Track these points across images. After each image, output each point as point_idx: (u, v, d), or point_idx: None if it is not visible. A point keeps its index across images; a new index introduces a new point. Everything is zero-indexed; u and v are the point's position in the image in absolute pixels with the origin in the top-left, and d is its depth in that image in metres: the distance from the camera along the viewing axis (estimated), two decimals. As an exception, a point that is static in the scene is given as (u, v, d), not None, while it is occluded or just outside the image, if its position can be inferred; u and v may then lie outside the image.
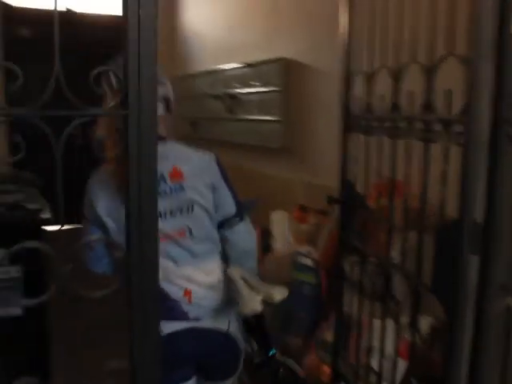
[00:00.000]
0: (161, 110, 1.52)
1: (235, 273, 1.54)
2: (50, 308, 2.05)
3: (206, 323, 1.54)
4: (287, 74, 3.27)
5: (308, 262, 2.43)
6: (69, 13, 4.74)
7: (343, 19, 1.74)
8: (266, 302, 1.53)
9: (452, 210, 1.25)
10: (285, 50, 3.27)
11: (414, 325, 1.41)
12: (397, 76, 1.44)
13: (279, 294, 1.52)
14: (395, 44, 1.45)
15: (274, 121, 3.39)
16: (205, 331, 1.53)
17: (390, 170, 1.51)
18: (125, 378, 0.74)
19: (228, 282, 1.57)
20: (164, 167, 1.50)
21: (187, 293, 1.50)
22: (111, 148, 1.40)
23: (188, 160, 1.56)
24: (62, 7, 4.81)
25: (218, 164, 1.61)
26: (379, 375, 1.62)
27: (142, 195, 0.66)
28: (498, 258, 1.17)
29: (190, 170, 1.53)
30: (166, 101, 1.56)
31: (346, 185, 1.81)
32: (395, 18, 1.45)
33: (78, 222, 1.61)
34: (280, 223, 2.90)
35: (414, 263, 1.39)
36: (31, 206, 2.04)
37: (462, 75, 1.21)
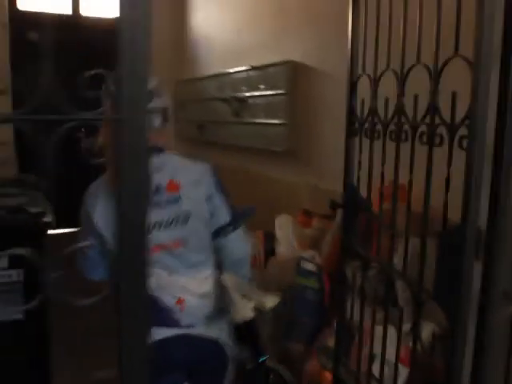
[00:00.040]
0: (158, 122, 1.56)
1: (228, 280, 1.56)
2: (50, 312, 2.04)
3: (198, 330, 1.55)
4: (294, 77, 3.26)
5: (311, 266, 2.41)
6: (75, 16, 4.77)
7: (349, 22, 1.73)
8: (258, 310, 1.56)
9: (456, 215, 1.23)
10: (292, 52, 3.26)
11: (415, 331, 1.39)
12: (402, 78, 1.42)
13: (270, 301, 1.55)
14: (400, 47, 1.43)
15: (280, 124, 3.38)
16: (196, 338, 1.55)
17: (394, 175, 1.49)
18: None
19: (221, 288, 1.59)
20: (161, 178, 1.53)
21: (180, 301, 1.53)
22: (109, 157, 1.36)
23: (184, 172, 1.58)
24: (68, 11, 4.84)
25: (214, 175, 1.62)
26: (380, 382, 1.59)
27: (133, 202, 0.64)
28: (501, 264, 1.15)
29: (186, 181, 1.55)
30: (164, 112, 1.58)
31: (349, 189, 1.79)
32: (400, 20, 1.43)
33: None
34: (284, 227, 2.89)
35: (416, 269, 1.37)
36: (33, 210, 2.04)
37: (467, 78, 1.19)
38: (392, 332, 1.55)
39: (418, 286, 1.36)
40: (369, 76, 1.61)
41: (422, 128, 1.35)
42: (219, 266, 1.67)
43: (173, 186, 1.53)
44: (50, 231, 2.18)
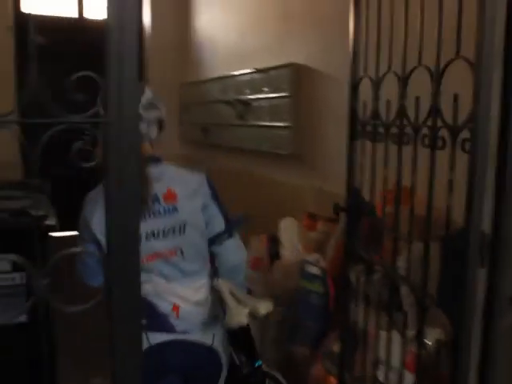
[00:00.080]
0: (155, 132, 1.59)
1: (223, 286, 1.59)
2: (55, 314, 2.04)
3: (192, 336, 1.59)
4: (298, 80, 3.24)
5: (315, 270, 2.39)
6: (80, 19, 4.78)
7: (350, 24, 1.72)
8: (253, 315, 1.57)
9: (460, 219, 1.21)
10: (296, 55, 3.25)
11: (420, 337, 1.36)
12: (403, 80, 1.41)
13: (264, 308, 1.56)
14: (402, 49, 1.41)
15: (285, 127, 3.36)
16: (190, 344, 1.59)
17: (396, 178, 1.47)
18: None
19: (216, 295, 1.63)
20: (158, 188, 1.56)
21: (175, 308, 1.56)
22: None
23: (181, 182, 1.61)
24: (74, 14, 4.86)
25: (209, 184, 1.66)
26: (385, 389, 1.57)
27: (124, 206, 0.63)
28: (506, 270, 1.13)
29: (183, 191, 1.58)
30: (160, 123, 1.61)
31: (353, 192, 1.77)
32: (402, 22, 1.41)
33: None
34: (289, 230, 2.87)
35: (420, 274, 1.34)
36: (36, 213, 2.04)
37: (470, 80, 1.17)
38: (397, 337, 1.53)
39: (421, 291, 1.34)
40: (370, 78, 1.60)
41: (425, 131, 1.33)
42: (215, 273, 1.70)
43: (170, 196, 1.56)
44: (55, 234, 2.19)
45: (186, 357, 1.59)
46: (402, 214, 1.48)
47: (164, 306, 1.56)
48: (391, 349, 1.54)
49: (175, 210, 1.56)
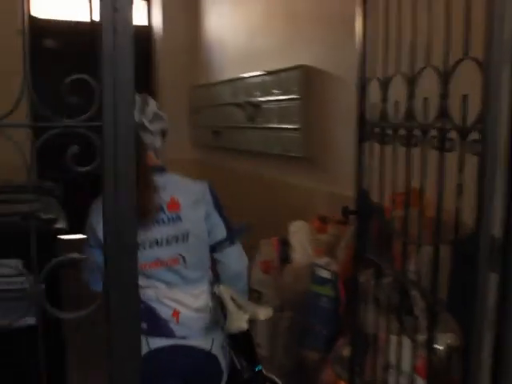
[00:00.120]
0: (159, 142, 1.64)
1: (224, 292, 1.61)
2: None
3: (191, 341, 1.60)
4: (307, 82, 3.22)
5: (326, 274, 2.36)
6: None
7: (358, 25, 1.70)
8: (253, 321, 1.61)
9: (471, 222, 1.18)
10: (306, 56, 3.23)
11: (430, 343, 1.33)
12: (412, 81, 1.38)
13: (264, 314, 1.59)
14: (410, 49, 1.39)
15: (295, 129, 3.34)
16: (190, 349, 1.60)
17: (405, 180, 1.44)
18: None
19: (216, 301, 1.65)
20: (163, 197, 1.59)
21: (175, 313, 1.58)
22: None
23: (185, 191, 1.64)
24: (82, 17, 4.90)
25: (212, 193, 1.69)
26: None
27: (119, 213, 0.62)
28: (518, 275, 1.10)
29: (186, 200, 1.61)
30: (163, 134, 1.66)
31: (361, 195, 1.74)
32: (410, 22, 1.39)
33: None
34: (299, 234, 2.84)
35: (430, 278, 1.32)
36: (45, 216, 2.05)
37: (479, 80, 1.14)
38: (408, 342, 1.50)
39: (432, 296, 1.31)
40: (378, 79, 1.58)
41: (433, 132, 1.31)
42: (217, 280, 1.72)
43: (174, 205, 1.59)
44: (64, 236, 2.20)
45: (186, 361, 1.61)
46: (412, 216, 1.46)
47: (164, 312, 1.58)
48: (402, 353, 1.51)
49: (178, 218, 1.59)
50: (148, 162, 1.57)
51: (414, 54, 1.37)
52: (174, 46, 5.03)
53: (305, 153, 3.31)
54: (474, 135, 1.16)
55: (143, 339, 1.55)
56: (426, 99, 1.34)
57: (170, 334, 1.58)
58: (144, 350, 1.54)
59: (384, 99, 1.56)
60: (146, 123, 1.56)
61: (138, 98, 1.55)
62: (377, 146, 1.64)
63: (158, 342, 1.57)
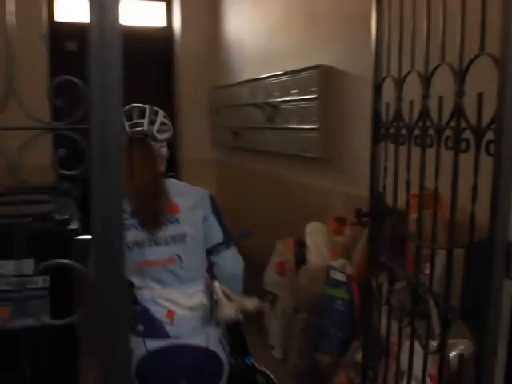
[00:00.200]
0: (165, 152, 1.74)
1: (217, 286, 1.69)
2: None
3: (187, 340, 1.64)
4: (326, 81, 3.18)
5: (340, 276, 2.33)
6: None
7: (373, 24, 1.66)
8: (241, 312, 1.67)
9: (486, 226, 1.13)
10: (325, 56, 3.19)
11: (442, 350, 1.29)
12: (426, 80, 1.34)
13: (251, 303, 1.69)
14: (425, 47, 1.35)
15: (313, 129, 3.31)
16: (188, 348, 1.64)
17: (419, 182, 1.40)
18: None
19: (213, 299, 1.70)
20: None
21: (170, 314, 1.62)
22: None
23: (184, 195, 1.72)
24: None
25: (211, 199, 1.76)
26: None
27: (106, 213, 0.61)
28: (534, 282, 1.05)
29: (185, 205, 1.69)
30: (168, 143, 1.75)
31: (376, 196, 1.71)
32: (424, 19, 1.35)
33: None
34: (315, 235, 2.81)
35: (443, 284, 1.27)
36: (60, 217, 2.06)
37: (495, 79, 1.10)
38: (419, 348, 1.46)
39: (445, 302, 1.26)
40: (393, 78, 1.54)
41: (448, 132, 1.26)
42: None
43: (173, 208, 1.67)
44: (85, 237, 2.21)
45: (186, 362, 1.64)
46: (427, 219, 1.42)
47: (159, 312, 1.62)
48: (414, 359, 1.47)
49: (177, 221, 1.66)
50: (157, 169, 1.69)
51: (429, 52, 1.33)
52: (194, 46, 5.04)
53: (322, 153, 3.27)
54: (490, 135, 1.12)
55: (140, 341, 1.60)
56: (441, 98, 1.30)
57: (165, 335, 1.61)
58: (142, 351, 1.59)
59: (398, 98, 1.52)
60: (155, 133, 1.66)
61: (147, 108, 1.67)
62: (392, 147, 1.60)
63: (154, 344, 1.61)
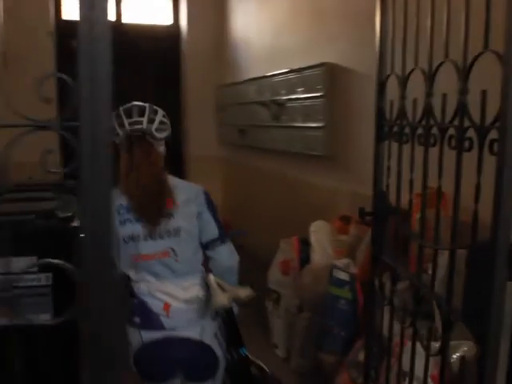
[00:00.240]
0: (163, 149, 1.76)
1: (212, 277, 1.72)
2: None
3: (181, 332, 1.66)
4: (331, 79, 3.16)
5: (344, 276, 2.31)
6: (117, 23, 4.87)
7: (377, 22, 1.64)
8: (234, 300, 1.72)
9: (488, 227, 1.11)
10: (331, 54, 3.17)
11: (444, 351, 1.27)
12: (430, 77, 1.32)
13: (243, 292, 1.73)
14: (429, 44, 1.33)
15: (319, 127, 3.29)
16: (183, 341, 1.66)
17: (422, 181, 1.38)
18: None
19: (208, 292, 1.73)
20: None
21: (166, 306, 1.65)
22: (121, 167, 1.65)
23: (179, 191, 1.74)
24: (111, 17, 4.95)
25: (205, 195, 1.79)
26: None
27: (95, 212, 0.60)
28: (538, 284, 1.03)
29: (180, 200, 1.72)
30: (166, 141, 1.77)
31: (379, 196, 1.69)
32: (428, 17, 1.33)
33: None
34: (319, 233, 2.79)
35: (446, 285, 1.25)
36: (63, 214, 2.06)
37: (499, 76, 1.08)
38: (421, 348, 1.44)
39: (446, 304, 1.25)
40: (397, 75, 1.52)
41: (452, 131, 1.24)
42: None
43: (169, 203, 1.69)
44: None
45: (181, 355, 1.66)
46: (430, 218, 1.40)
47: (156, 305, 1.65)
48: (416, 360, 1.45)
49: (172, 215, 1.69)
50: (160, 166, 1.72)
51: (432, 49, 1.31)
52: (200, 44, 5.04)
53: (328, 151, 3.25)
54: (494, 134, 1.10)
55: (136, 332, 1.65)
56: (444, 96, 1.28)
57: (160, 326, 1.65)
58: (138, 342, 1.64)
59: (402, 97, 1.50)
60: (153, 131, 1.68)
61: (147, 107, 1.69)
62: (395, 146, 1.58)
63: (150, 335, 1.64)
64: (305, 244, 2.88)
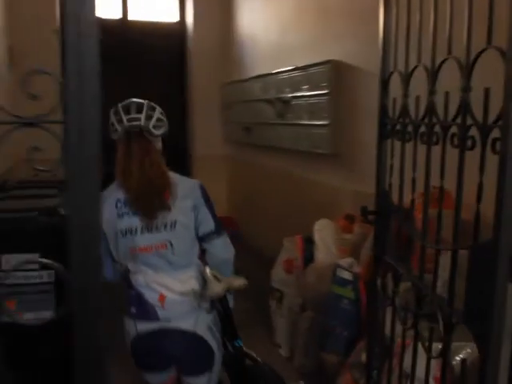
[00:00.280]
0: (160, 145, 1.79)
1: (207, 270, 1.75)
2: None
3: (175, 324, 1.68)
4: (336, 77, 3.14)
5: (346, 275, 2.29)
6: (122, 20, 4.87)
7: (380, 19, 1.62)
8: (228, 289, 1.77)
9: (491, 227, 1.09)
10: (337, 51, 3.15)
11: (445, 353, 1.25)
12: (433, 74, 1.30)
13: (237, 281, 1.78)
14: (431, 43, 1.31)
15: (324, 125, 3.27)
16: (177, 332, 1.69)
17: (425, 180, 1.36)
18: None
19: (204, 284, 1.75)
20: None
21: (161, 298, 1.68)
22: (117, 164, 1.69)
23: (176, 186, 1.76)
24: (116, 15, 4.96)
25: (202, 189, 1.81)
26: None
27: (83, 208, 0.59)
28: (540, 285, 1.01)
29: (176, 193, 1.74)
30: (163, 138, 1.80)
31: (382, 195, 1.67)
32: (431, 15, 1.31)
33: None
34: (323, 232, 2.77)
35: (448, 286, 1.24)
36: (64, 211, 2.06)
37: (502, 74, 1.06)
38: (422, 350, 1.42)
39: (448, 305, 1.23)
40: (400, 73, 1.50)
41: (454, 129, 1.22)
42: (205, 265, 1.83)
43: (166, 196, 1.71)
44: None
45: (175, 346, 1.69)
46: (433, 218, 1.38)
47: (152, 297, 1.68)
48: (418, 361, 1.43)
49: (168, 209, 1.71)
50: (159, 162, 1.74)
51: (435, 46, 1.29)
52: (206, 42, 5.03)
53: (333, 149, 3.23)
54: (496, 132, 1.07)
55: (132, 323, 1.68)
56: (447, 93, 1.26)
57: (155, 317, 1.67)
58: (133, 332, 1.68)
59: (405, 94, 1.48)
60: (151, 128, 1.70)
61: (145, 103, 1.70)
62: (398, 144, 1.56)
63: (144, 326, 1.67)
64: (308, 242, 2.86)
